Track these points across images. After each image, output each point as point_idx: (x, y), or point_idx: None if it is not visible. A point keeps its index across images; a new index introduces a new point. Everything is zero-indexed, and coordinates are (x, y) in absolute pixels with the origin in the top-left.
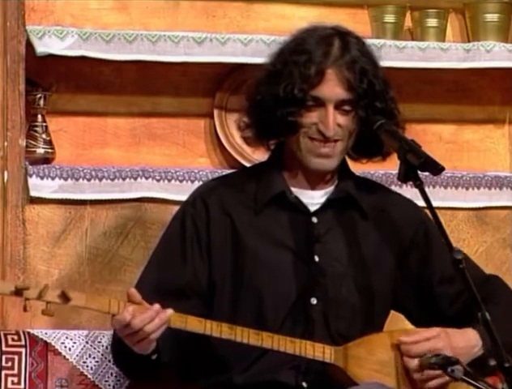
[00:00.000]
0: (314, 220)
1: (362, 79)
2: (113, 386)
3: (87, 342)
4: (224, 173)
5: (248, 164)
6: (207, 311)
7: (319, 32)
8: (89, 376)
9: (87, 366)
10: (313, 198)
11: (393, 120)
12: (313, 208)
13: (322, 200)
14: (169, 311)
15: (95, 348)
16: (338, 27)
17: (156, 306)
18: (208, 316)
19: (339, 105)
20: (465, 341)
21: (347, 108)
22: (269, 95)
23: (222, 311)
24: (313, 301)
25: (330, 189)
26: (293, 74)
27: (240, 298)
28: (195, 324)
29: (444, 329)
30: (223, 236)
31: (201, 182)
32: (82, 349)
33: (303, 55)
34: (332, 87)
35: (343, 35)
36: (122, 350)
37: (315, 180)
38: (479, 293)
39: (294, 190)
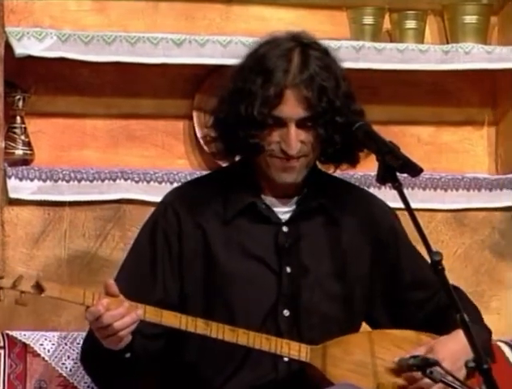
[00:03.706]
0: (285, 229)
1: (321, 97)
2: (92, 388)
3: (65, 344)
4: (195, 176)
5: None
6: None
7: (280, 45)
8: (68, 377)
9: (66, 368)
10: (284, 207)
11: (355, 132)
12: (283, 217)
13: (292, 209)
14: (140, 311)
15: (73, 350)
16: (300, 38)
17: (127, 304)
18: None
19: (300, 123)
20: (459, 343)
21: (309, 124)
22: (231, 114)
23: None
24: (286, 312)
25: (301, 197)
26: (253, 94)
27: (212, 312)
28: (170, 318)
29: (434, 340)
30: (194, 248)
31: (180, 184)
32: (61, 351)
33: (262, 74)
34: (292, 107)
35: (303, 47)
36: (96, 347)
37: (285, 189)
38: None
39: (265, 198)
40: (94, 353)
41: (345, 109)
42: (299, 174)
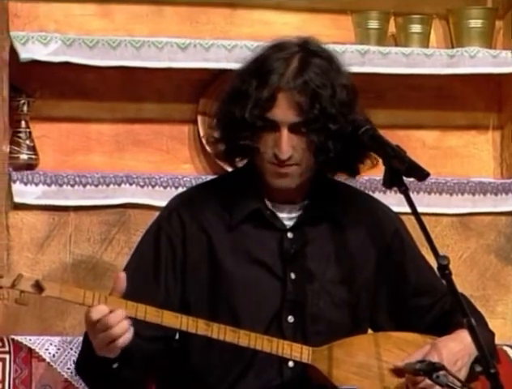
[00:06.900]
0: (290, 235)
1: (314, 103)
2: None
3: (71, 348)
4: (200, 182)
5: None
6: (181, 332)
7: (283, 50)
8: (73, 382)
9: (72, 372)
10: (290, 213)
11: (347, 141)
12: (289, 223)
13: (297, 215)
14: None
15: None
16: (305, 43)
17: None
18: (184, 335)
19: (293, 128)
20: (460, 343)
21: (302, 130)
22: (228, 115)
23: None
24: (291, 319)
25: (306, 203)
26: (247, 96)
27: (216, 318)
28: (171, 319)
29: (433, 341)
30: (199, 254)
31: (185, 189)
32: (66, 356)
33: (259, 76)
34: (284, 111)
35: (305, 53)
36: (88, 354)
37: (285, 195)
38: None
39: (270, 204)
40: (85, 365)
41: (340, 118)
42: (293, 180)
